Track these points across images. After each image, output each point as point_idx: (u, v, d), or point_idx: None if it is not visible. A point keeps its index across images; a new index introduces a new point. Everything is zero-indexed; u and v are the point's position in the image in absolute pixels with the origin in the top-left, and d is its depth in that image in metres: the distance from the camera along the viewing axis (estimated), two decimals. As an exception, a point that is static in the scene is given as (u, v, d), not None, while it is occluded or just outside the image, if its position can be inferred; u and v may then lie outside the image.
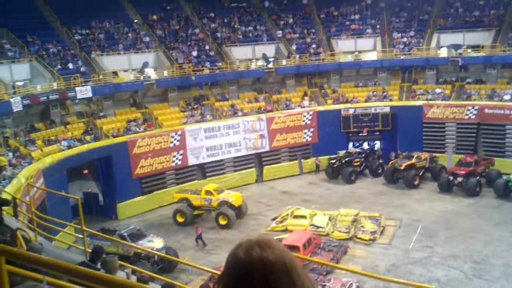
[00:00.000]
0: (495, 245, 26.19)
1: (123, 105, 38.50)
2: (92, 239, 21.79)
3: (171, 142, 36.42)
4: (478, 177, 34.50)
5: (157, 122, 37.69)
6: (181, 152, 36.83)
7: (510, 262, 24.04)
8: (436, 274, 23.41)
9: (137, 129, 36.04)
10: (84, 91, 33.82)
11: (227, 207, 31.38)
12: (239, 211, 32.12)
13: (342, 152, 40.21)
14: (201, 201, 32.26)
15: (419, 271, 23.84)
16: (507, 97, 38.28)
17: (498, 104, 38.00)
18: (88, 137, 33.55)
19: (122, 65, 39.04)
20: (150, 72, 39.00)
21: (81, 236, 12.62)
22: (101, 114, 36.60)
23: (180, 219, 32.03)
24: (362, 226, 28.50)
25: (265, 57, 42.88)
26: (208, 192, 32.20)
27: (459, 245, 26.49)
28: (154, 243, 25.36)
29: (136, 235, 26.18)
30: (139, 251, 24.00)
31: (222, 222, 31.08)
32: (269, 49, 44.49)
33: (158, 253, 21.21)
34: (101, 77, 36.07)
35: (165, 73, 39.16)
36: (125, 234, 25.66)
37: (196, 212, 32.61)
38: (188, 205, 32.37)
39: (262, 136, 40.19)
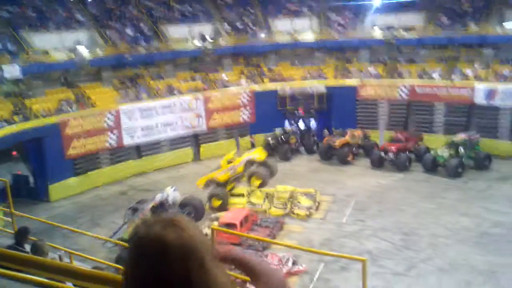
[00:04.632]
0: (422, 217, 27.37)
1: (53, 85, 37.05)
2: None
3: (105, 122, 35.56)
4: (408, 153, 35.84)
5: (90, 102, 36.63)
6: (115, 132, 36.10)
7: (436, 233, 25.18)
8: (368, 246, 24.22)
9: (69, 109, 34.92)
10: (12, 71, 32.36)
11: (255, 166, 30.89)
12: (270, 170, 31.79)
13: (278, 130, 40.66)
14: (226, 173, 29.73)
15: (352, 244, 24.57)
16: (435, 75, 39.83)
17: (428, 83, 39.49)
18: (16, 118, 32.22)
19: (54, 44, 37.48)
20: (84, 51, 37.71)
21: (10, 219, 12.31)
22: (30, 93, 35.09)
23: (216, 204, 28.77)
24: (299, 202, 29.05)
25: (202, 37, 42.44)
26: (228, 161, 30.25)
27: (389, 218, 27.49)
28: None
29: None
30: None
31: (256, 182, 30.76)
32: (207, 29, 44.03)
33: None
34: (30, 54, 34.58)
35: (99, 52, 38.01)
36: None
37: (229, 187, 30.06)
38: (217, 185, 29.39)
39: (198, 115, 39.96)
